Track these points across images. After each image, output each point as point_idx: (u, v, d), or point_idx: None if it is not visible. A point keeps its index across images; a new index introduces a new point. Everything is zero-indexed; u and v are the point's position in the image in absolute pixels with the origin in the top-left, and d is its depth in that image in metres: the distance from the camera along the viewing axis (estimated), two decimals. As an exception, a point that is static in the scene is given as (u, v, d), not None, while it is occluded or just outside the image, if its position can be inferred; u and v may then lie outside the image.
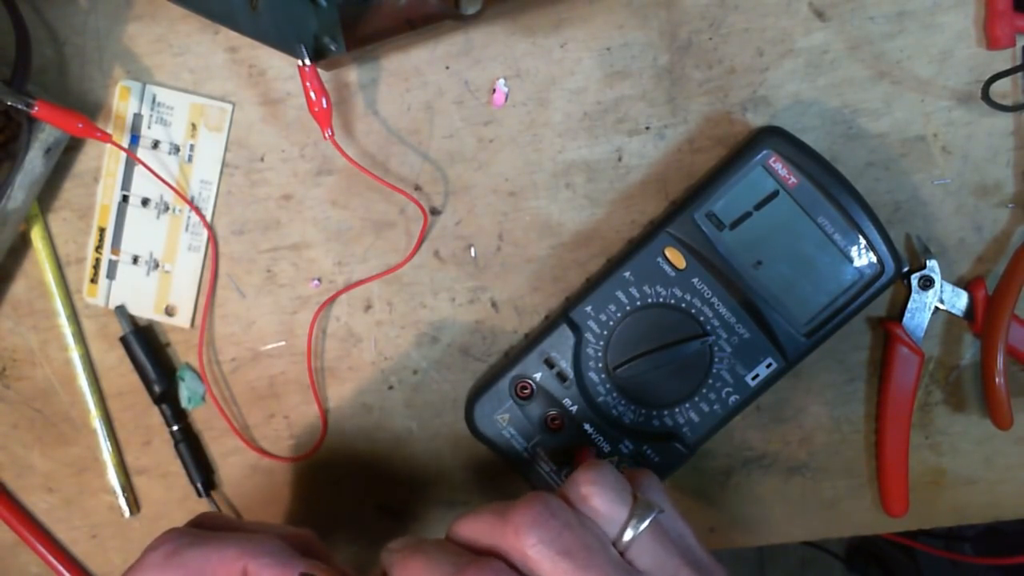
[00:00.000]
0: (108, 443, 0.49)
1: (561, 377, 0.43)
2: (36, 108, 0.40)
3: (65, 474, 0.49)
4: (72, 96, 0.45)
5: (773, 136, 0.41)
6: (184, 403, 0.48)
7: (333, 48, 0.40)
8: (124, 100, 0.46)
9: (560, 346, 0.43)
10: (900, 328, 0.45)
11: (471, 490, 0.49)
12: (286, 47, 0.40)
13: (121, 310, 0.47)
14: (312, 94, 0.41)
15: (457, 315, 0.47)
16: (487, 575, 0.28)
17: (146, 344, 0.47)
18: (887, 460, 0.46)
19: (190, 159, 0.46)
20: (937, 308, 0.45)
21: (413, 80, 0.45)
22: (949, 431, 0.48)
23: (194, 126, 0.46)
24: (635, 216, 0.46)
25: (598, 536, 0.30)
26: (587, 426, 0.44)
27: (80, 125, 0.42)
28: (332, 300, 0.47)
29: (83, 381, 0.48)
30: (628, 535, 0.30)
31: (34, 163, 0.43)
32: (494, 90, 0.45)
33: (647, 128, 0.45)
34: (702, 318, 0.42)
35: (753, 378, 0.43)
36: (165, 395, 0.47)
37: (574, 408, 0.43)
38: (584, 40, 0.44)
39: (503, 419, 0.44)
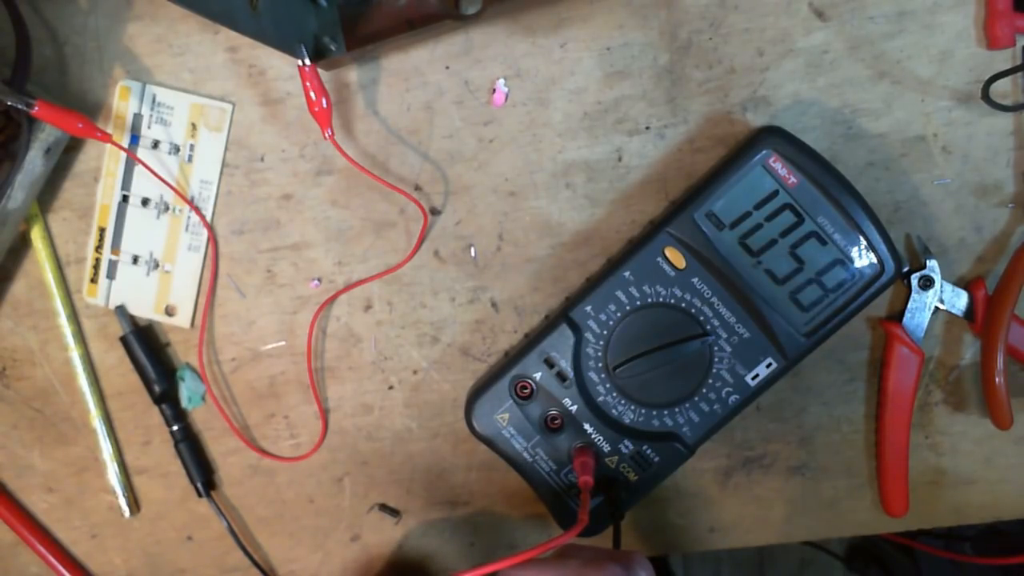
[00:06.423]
0: (108, 443, 0.49)
1: (561, 377, 0.43)
2: (36, 108, 0.40)
3: (65, 474, 0.49)
4: (72, 96, 0.45)
5: (773, 136, 0.41)
6: (184, 403, 0.48)
7: (333, 48, 0.40)
8: (124, 100, 0.46)
9: (560, 346, 0.43)
10: (900, 328, 0.45)
11: (471, 490, 0.49)
12: (286, 47, 0.40)
13: (121, 310, 0.47)
14: (312, 94, 0.41)
15: (457, 315, 0.47)
16: None
17: (146, 344, 0.47)
18: (887, 460, 0.46)
19: (190, 159, 0.46)
20: (937, 308, 0.45)
21: (413, 80, 0.45)
22: (949, 431, 0.48)
23: (194, 126, 0.46)
24: (635, 216, 0.46)
25: None
26: (587, 426, 0.43)
27: (80, 125, 0.42)
28: (332, 300, 0.47)
29: (83, 381, 0.48)
30: None
31: (34, 163, 0.43)
32: (494, 90, 0.45)
33: (647, 128, 0.45)
34: (702, 318, 0.42)
35: (753, 378, 0.43)
36: (165, 395, 0.47)
37: (574, 408, 0.43)
38: (584, 40, 0.44)
39: (503, 419, 0.44)
